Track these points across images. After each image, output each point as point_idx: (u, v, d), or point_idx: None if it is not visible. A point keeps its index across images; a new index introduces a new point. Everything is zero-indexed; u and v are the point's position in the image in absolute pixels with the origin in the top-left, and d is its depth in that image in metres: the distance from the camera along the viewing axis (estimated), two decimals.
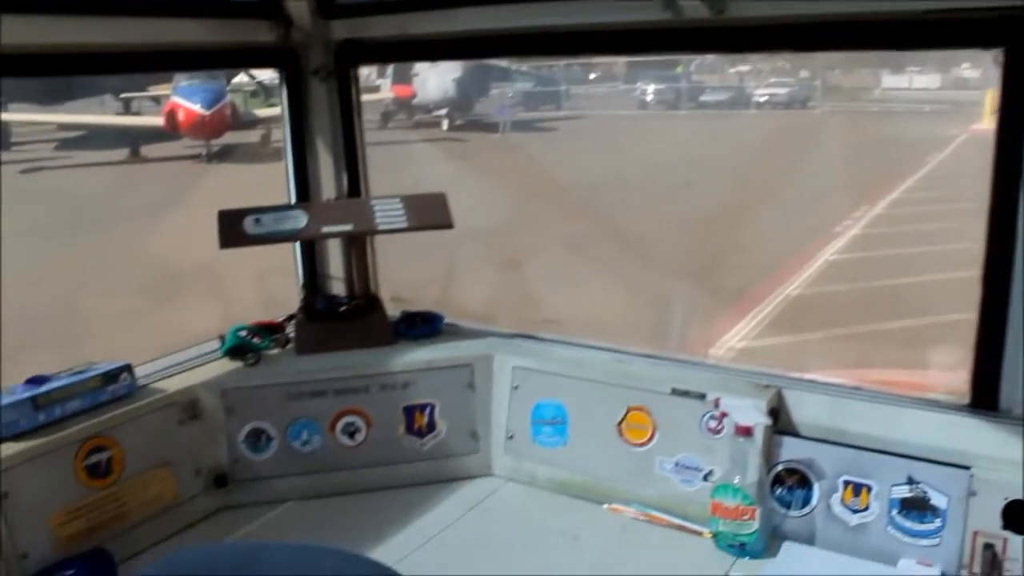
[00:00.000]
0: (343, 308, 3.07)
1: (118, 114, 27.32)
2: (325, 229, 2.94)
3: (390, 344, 2.98)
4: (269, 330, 2.99)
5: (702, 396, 2.55)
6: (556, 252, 10.39)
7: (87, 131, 25.06)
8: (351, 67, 3.23)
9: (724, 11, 2.40)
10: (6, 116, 24.53)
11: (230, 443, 2.74)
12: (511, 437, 2.82)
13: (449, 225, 2.97)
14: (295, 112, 3.26)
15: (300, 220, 2.91)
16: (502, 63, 31.64)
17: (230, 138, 23.13)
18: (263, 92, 27.06)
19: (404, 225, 2.94)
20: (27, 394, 2.43)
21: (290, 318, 3.09)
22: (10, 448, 2.34)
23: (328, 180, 3.31)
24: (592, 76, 40.04)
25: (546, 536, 2.52)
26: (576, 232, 11.69)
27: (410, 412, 2.81)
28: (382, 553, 2.31)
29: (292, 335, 3.03)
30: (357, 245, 3.11)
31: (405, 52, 3.28)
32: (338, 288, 3.24)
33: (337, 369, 2.81)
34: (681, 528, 2.50)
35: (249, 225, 2.85)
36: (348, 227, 2.94)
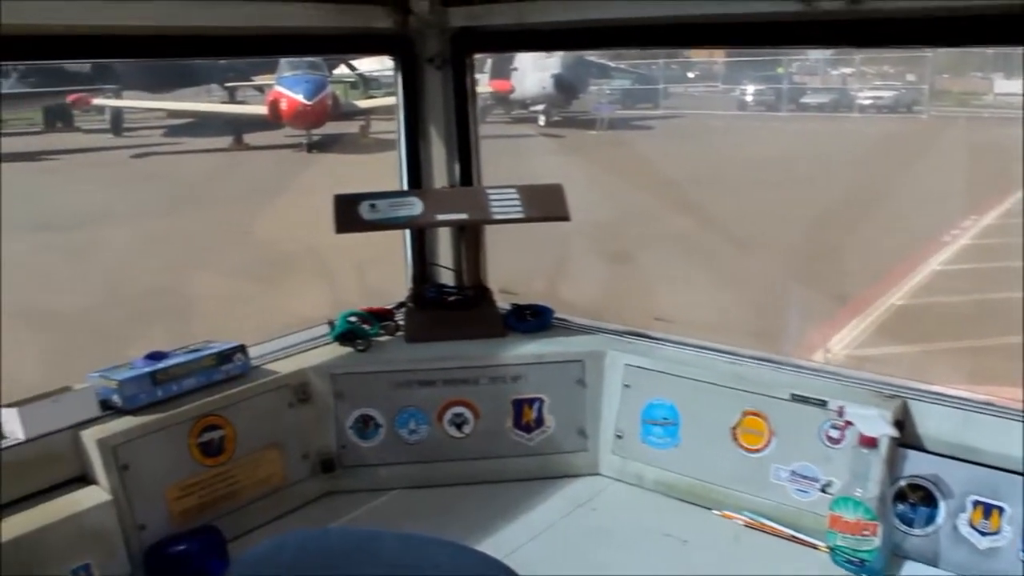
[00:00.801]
0: (453, 298, 3.05)
1: (223, 103, 28.06)
2: (440, 217, 2.92)
3: (500, 336, 2.94)
4: (379, 317, 2.99)
5: (823, 403, 2.44)
6: (662, 248, 10.26)
7: (194, 119, 25.79)
8: (467, 56, 3.20)
9: (859, 2, 2.29)
10: (120, 103, 25.45)
11: (338, 428, 2.74)
12: (620, 436, 2.75)
13: (566, 217, 2.92)
14: (409, 100, 3.24)
15: (415, 207, 2.90)
16: (602, 60, 31.52)
17: (330, 128, 23.53)
18: (363, 84, 27.50)
19: (520, 215, 2.90)
20: (147, 369, 2.47)
21: (400, 306, 3.08)
22: (130, 421, 2.38)
23: (440, 168, 3.28)
24: (691, 75, 39.58)
25: (655, 539, 2.45)
26: (681, 228, 11.52)
27: (519, 406, 2.77)
28: (488, 547, 2.24)
29: (401, 323, 3.02)
30: (468, 235, 3.08)
31: (522, 42, 3.23)
32: (446, 277, 3.22)
33: (447, 359, 2.79)
34: (795, 540, 2.40)
35: (365, 211, 2.85)
36: (463, 216, 2.92)
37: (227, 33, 2.72)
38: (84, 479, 2.34)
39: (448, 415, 2.76)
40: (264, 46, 3.03)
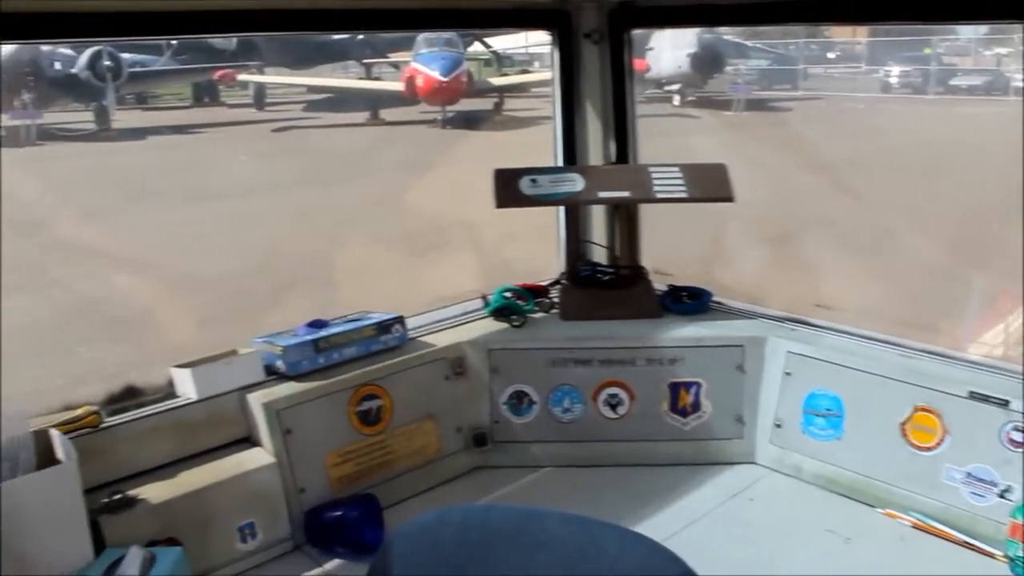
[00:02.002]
0: (607, 277, 3.00)
1: (360, 79, 28.58)
2: (602, 194, 2.87)
3: (657, 317, 2.88)
4: (534, 293, 2.97)
5: (1005, 403, 2.29)
6: (817, 232, 9.89)
7: (333, 94, 26.36)
8: (625, 31, 3.13)
9: None
10: (262, 79, 26.24)
11: (492, 403, 2.74)
12: (779, 425, 2.66)
13: (730, 198, 2.83)
14: (566, 75, 3.20)
15: (576, 184, 2.86)
16: (739, 39, 30.72)
17: (464, 105, 23.68)
18: (496, 61, 27.56)
19: (684, 195, 2.83)
20: (309, 337, 2.51)
21: (554, 283, 3.05)
22: (293, 387, 2.44)
23: (596, 145, 3.23)
24: (831, 55, 38.17)
25: (815, 534, 2.35)
26: (834, 212, 11.07)
27: (675, 389, 2.71)
28: (641, 531, 2.23)
29: (556, 300, 2.99)
30: (623, 213, 3.03)
31: (681, 16, 3.14)
32: (599, 256, 3.17)
33: (603, 339, 2.75)
34: (968, 546, 2.26)
35: (525, 186, 2.83)
36: (625, 194, 2.86)
37: (391, 6, 2.74)
38: (248, 441, 2.41)
39: (603, 395, 2.72)
40: (422, 19, 3.04)
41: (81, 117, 21.10)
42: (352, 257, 9.22)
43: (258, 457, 2.33)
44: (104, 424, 2.21)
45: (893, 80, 32.20)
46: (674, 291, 2.99)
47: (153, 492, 2.15)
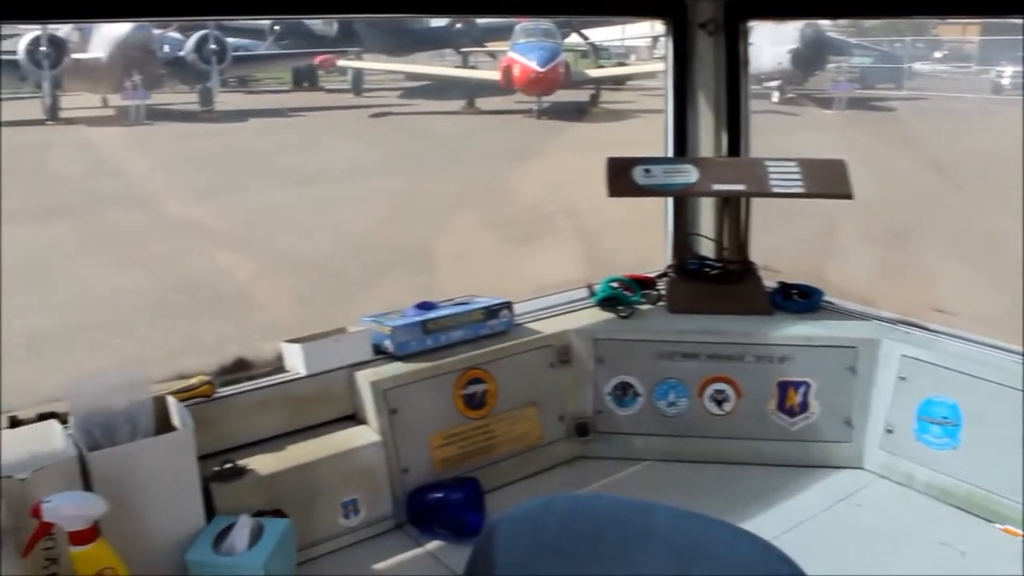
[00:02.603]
0: (715, 271, 2.93)
1: (457, 67, 28.75)
2: (716, 187, 2.80)
3: (766, 314, 2.81)
4: (641, 284, 2.93)
5: None
6: (934, 234, 9.54)
7: (430, 81, 26.57)
8: (741, 22, 3.07)
9: None
10: (361, 65, 26.60)
11: (596, 393, 2.71)
12: (890, 431, 2.56)
13: (849, 195, 2.74)
14: (679, 66, 3.14)
15: (691, 175, 2.80)
16: (842, 36, 29.97)
17: (559, 96, 23.60)
18: (593, 53, 27.43)
19: (800, 190, 2.75)
20: (418, 318, 2.52)
21: (662, 275, 3.00)
22: (401, 367, 2.45)
23: (707, 138, 3.17)
24: (938, 54, 36.93)
25: (927, 546, 2.26)
26: (947, 215, 10.65)
27: (784, 388, 2.64)
28: None
29: (663, 292, 2.94)
30: (733, 206, 2.95)
31: (800, 7, 3.05)
32: (706, 249, 3.11)
33: (711, 333, 2.69)
34: None
35: (639, 175, 2.78)
36: (741, 187, 2.79)
37: None
38: (354, 418, 2.42)
39: (709, 391, 2.67)
40: (535, 3, 3.00)
41: (186, 99, 21.69)
42: (449, 243, 9.28)
43: (364, 435, 2.34)
44: (217, 395, 2.25)
45: (1005, 81, 30.89)
46: (784, 288, 2.91)
47: (262, 463, 2.18)
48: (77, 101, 20.31)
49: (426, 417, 2.44)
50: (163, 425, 2.00)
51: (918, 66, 33.67)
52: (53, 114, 18.84)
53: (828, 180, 2.77)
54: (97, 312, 7.88)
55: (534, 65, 22.23)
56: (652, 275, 3.00)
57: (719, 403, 2.66)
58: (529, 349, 2.64)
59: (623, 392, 2.70)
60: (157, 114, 20.13)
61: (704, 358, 2.67)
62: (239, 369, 2.42)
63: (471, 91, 24.63)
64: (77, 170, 14.22)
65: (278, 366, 2.44)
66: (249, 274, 8.70)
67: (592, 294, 2.95)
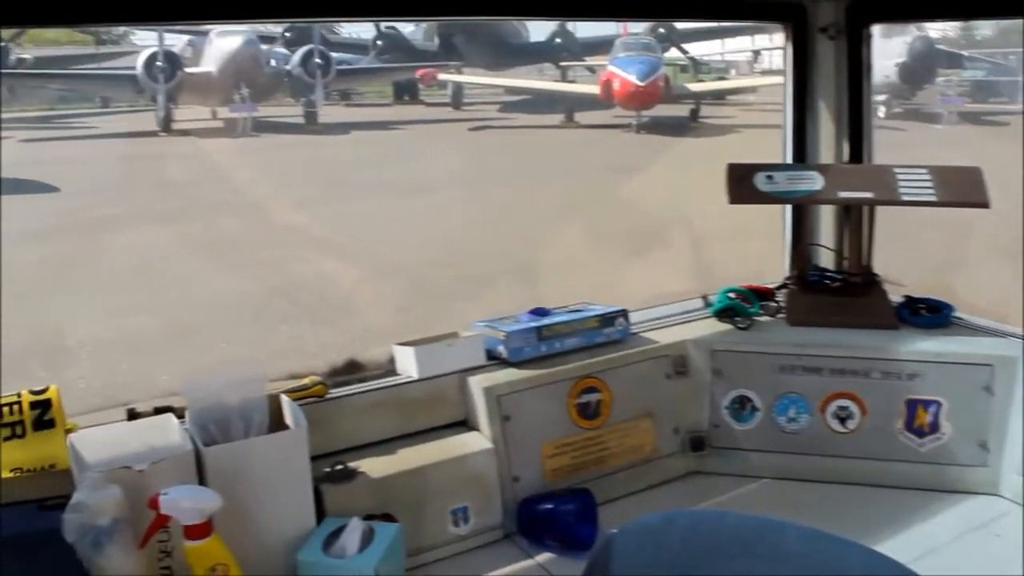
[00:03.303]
0: (836, 283, 2.80)
1: (556, 81, 28.81)
2: (842, 194, 2.67)
3: (892, 328, 2.66)
4: (759, 295, 2.81)
5: None
6: None
7: (527, 96, 26.69)
8: (864, 26, 2.94)
9: None
10: (461, 79, 26.90)
11: (713, 406, 2.60)
12: None
13: (986, 203, 2.59)
14: (798, 72, 3.03)
15: (815, 182, 2.68)
16: (953, 48, 29.02)
17: (658, 111, 23.43)
18: (693, 67, 27.19)
19: (932, 198, 2.60)
20: (533, 324, 2.46)
21: (781, 286, 2.89)
22: (514, 374, 2.39)
23: (828, 146, 3.04)
24: None
25: None
26: None
27: (912, 407, 2.49)
28: None
29: (782, 304, 2.82)
30: (856, 215, 2.82)
31: (928, 8, 2.89)
32: (825, 261, 2.98)
33: (835, 347, 2.56)
34: None
35: (760, 182, 2.68)
36: (868, 194, 2.65)
37: None
38: (465, 424, 2.38)
39: (832, 407, 2.53)
40: (650, 6, 2.93)
41: (291, 111, 22.24)
42: (553, 253, 9.25)
43: (476, 441, 2.30)
44: (329, 396, 2.23)
45: None
46: (911, 302, 2.76)
47: (372, 466, 2.15)
48: (188, 114, 21.06)
49: (539, 425, 2.37)
50: (276, 423, 1.99)
51: None
52: (166, 126, 19.64)
53: (962, 188, 2.62)
54: (203, 314, 8.08)
55: (634, 79, 22.14)
56: (770, 286, 2.88)
57: (842, 420, 2.53)
58: (645, 359, 2.56)
59: (741, 406, 2.59)
60: (263, 126, 20.72)
61: (827, 373, 2.54)
62: (350, 371, 2.40)
63: (570, 105, 24.65)
64: (187, 178, 14.71)
65: (389, 369, 2.41)
66: (351, 281, 8.81)
67: (708, 305, 2.85)
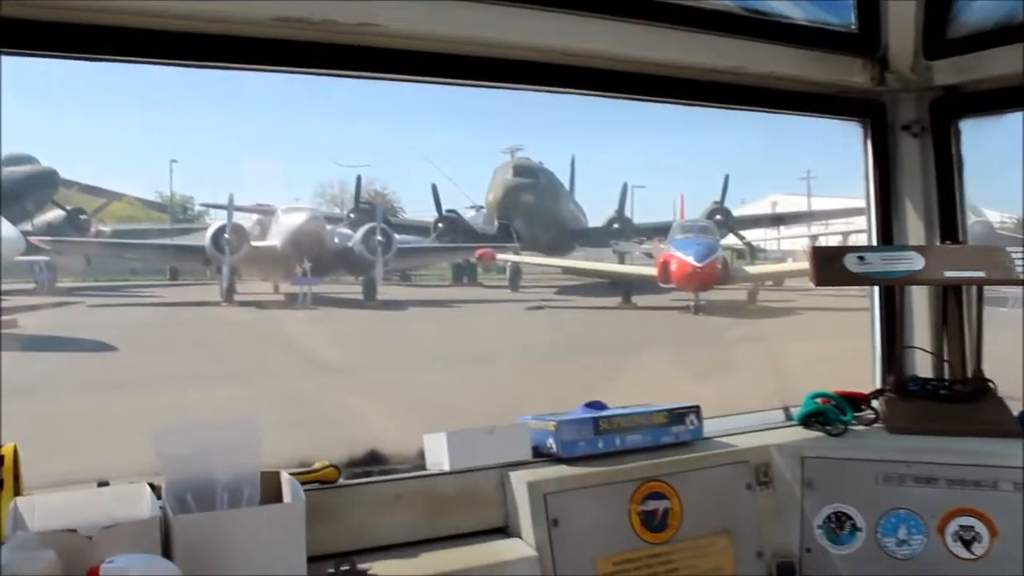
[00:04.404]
0: (943, 391, 2.40)
1: (613, 264, 28.96)
2: (949, 274, 2.32)
3: (1016, 437, 2.23)
4: (852, 402, 2.42)
5: None
6: None
7: (583, 279, 26.73)
8: (951, 121, 2.71)
9: None
10: (519, 259, 27.20)
11: (804, 525, 2.18)
12: None
13: None
14: (880, 169, 2.79)
15: (915, 262, 2.33)
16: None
17: (712, 294, 23.26)
18: (750, 252, 27.20)
19: None
20: (589, 415, 2.10)
21: (877, 392, 2.49)
22: (565, 470, 2.02)
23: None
24: None
25: None
26: None
27: None
28: None
29: (880, 413, 2.42)
30: (955, 310, 2.48)
31: (1019, 98, 2.60)
32: (922, 369, 2.59)
33: (952, 453, 2.15)
34: None
35: (851, 263, 2.34)
36: (979, 273, 2.29)
37: (674, 74, 2.45)
38: (505, 532, 1.98)
39: (952, 526, 2.09)
40: (717, 92, 2.68)
41: (351, 289, 22.56)
42: None
43: (516, 548, 1.90)
44: (341, 483, 1.87)
45: None
46: None
47: (389, 570, 1.76)
48: (252, 287, 21.49)
49: (594, 534, 1.97)
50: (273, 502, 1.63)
51: None
52: (229, 296, 19.97)
53: None
54: None
55: (692, 260, 22.06)
56: (866, 392, 2.48)
57: (967, 544, 2.08)
58: (721, 464, 2.17)
59: (839, 525, 2.16)
60: (322, 300, 20.93)
61: (944, 484, 2.11)
62: (371, 463, 2.04)
63: (628, 287, 24.65)
64: (247, 344, 14.79)
65: (419, 463, 2.04)
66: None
67: (790, 417, 2.46)
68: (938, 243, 2.68)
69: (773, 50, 2.51)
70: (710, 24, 2.39)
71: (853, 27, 2.68)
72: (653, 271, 23.68)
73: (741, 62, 2.47)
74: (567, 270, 27.54)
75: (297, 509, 1.57)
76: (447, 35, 2.13)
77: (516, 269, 27.17)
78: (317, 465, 1.86)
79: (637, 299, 24.18)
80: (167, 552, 1.46)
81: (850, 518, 2.15)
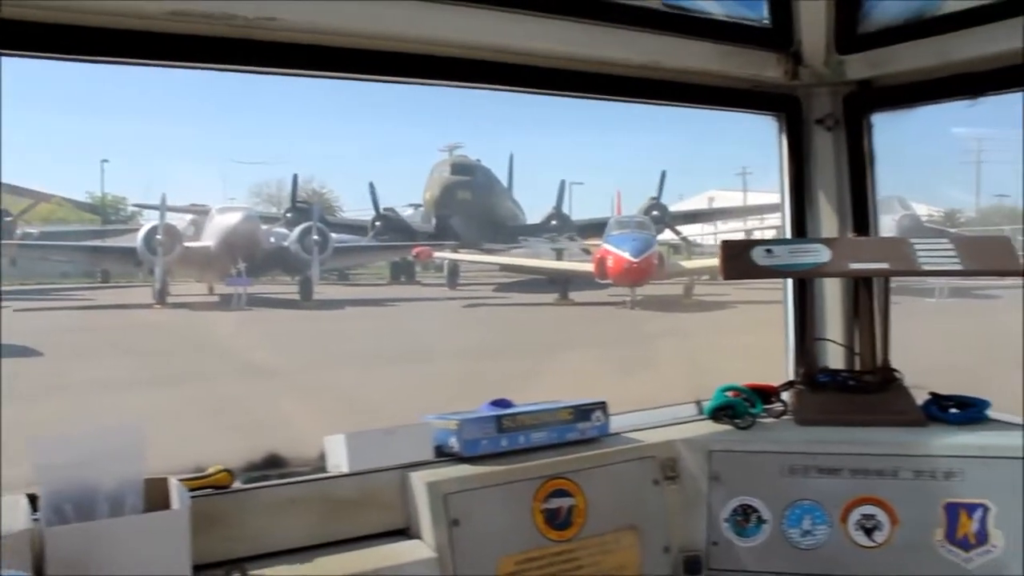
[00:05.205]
0: (852, 382, 2.42)
1: (550, 260, 29.06)
2: (854, 266, 2.33)
3: (920, 425, 2.26)
4: (762, 395, 2.42)
5: None
6: None
7: (520, 276, 26.76)
8: (864, 115, 2.73)
9: None
10: (456, 256, 27.15)
11: (711, 518, 2.17)
12: None
13: (1019, 271, 2.27)
14: (794, 163, 2.79)
15: (821, 254, 2.34)
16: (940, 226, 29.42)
17: (648, 289, 23.43)
18: (687, 247, 27.52)
19: (957, 267, 2.26)
20: (492, 413, 2.07)
21: (787, 385, 2.50)
22: (467, 470, 1.99)
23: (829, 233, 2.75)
24: None
25: None
26: None
27: (953, 512, 2.07)
28: None
29: (789, 405, 2.43)
30: (866, 302, 2.50)
31: (933, 91, 2.63)
32: (834, 359, 2.61)
33: (856, 444, 2.16)
34: None
35: (758, 256, 2.34)
36: (883, 265, 2.31)
37: (603, 70, 2.43)
38: (405, 534, 1.94)
39: (855, 516, 2.11)
40: (641, 88, 2.67)
41: (286, 289, 22.30)
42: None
43: (416, 550, 1.86)
44: (235, 488, 1.81)
45: None
46: (937, 399, 2.38)
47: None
48: (185, 288, 21.12)
49: (496, 533, 1.94)
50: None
51: None
52: (162, 298, 19.58)
53: (991, 256, 2.31)
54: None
55: (628, 255, 22.19)
56: (775, 385, 2.49)
57: (868, 532, 2.10)
58: (627, 459, 2.15)
59: (745, 518, 2.16)
60: (257, 301, 20.66)
61: (847, 474, 2.13)
62: (271, 466, 1.99)
63: (564, 284, 24.74)
64: (179, 346, 14.55)
65: (319, 466, 1.99)
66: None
67: (702, 410, 2.45)
68: (852, 236, 2.70)
69: (687, 45, 2.49)
70: (624, 19, 2.36)
71: (767, 22, 2.69)
72: (590, 267, 23.80)
73: (655, 57, 2.45)
74: (505, 267, 27.54)
75: (181, 516, 1.51)
76: (350, 30, 2.08)
77: (454, 267, 27.10)
78: (210, 470, 1.80)
79: (575, 295, 24.26)
80: (39, 567, 1.39)
81: (756, 510, 2.15)
